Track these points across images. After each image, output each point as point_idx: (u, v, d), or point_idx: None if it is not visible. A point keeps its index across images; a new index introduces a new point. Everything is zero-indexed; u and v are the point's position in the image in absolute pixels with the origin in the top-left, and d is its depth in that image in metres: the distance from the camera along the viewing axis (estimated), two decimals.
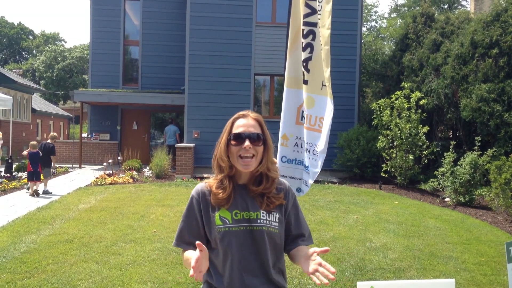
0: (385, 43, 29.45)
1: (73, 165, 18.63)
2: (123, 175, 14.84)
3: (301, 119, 4.55)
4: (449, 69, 13.63)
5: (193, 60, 16.78)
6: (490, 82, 12.27)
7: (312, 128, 4.36)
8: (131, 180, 14.19)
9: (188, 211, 2.28)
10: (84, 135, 20.91)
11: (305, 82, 4.43)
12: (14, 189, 12.62)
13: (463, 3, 35.92)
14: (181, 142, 18.03)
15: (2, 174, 14.88)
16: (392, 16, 37.74)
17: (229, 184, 2.22)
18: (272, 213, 2.22)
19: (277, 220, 2.22)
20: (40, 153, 12.09)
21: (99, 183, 13.51)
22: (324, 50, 4.24)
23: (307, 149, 4.39)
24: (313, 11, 4.38)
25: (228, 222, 2.18)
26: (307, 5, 4.41)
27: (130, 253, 6.55)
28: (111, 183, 13.58)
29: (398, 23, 33.03)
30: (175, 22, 20.17)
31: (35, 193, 11.64)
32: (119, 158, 18.53)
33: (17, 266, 5.88)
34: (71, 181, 14.26)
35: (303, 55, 4.44)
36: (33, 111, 29.08)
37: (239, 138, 2.20)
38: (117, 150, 20.00)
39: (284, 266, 2.33)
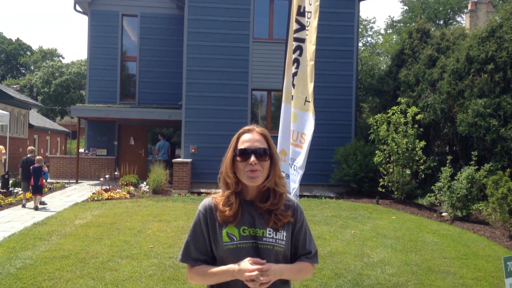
0: (381, 59, 29.63)
1: (70, 181, 18.57)
2: (120, 191, 14.79)
3: None
4: (445, 84, 13.71)
5: (190, 76, 16.84)
6: (486, 97, 12.33)
7: (294, 143, 4.36)
8: (128, 196, 14.14)
9: (194, 226, 2.25)
10: (81, 150, 20.87)
11: (292, 97, 4.42)
12: (10, 204, 12.56)
13: (458, 19, 36.28)
14: (172, 157, 18.25)
15: None
16: (388, 32, 38.02)
17: (235, 201, 2.19)
18: (280, 231, 2.19)
19: (284, 239, 2.19)
20: (46, 168, 12.62)
21: (95, 198, 13.46)
22: (309, 65, 4.25)
23: (289, 164, 4.39)
24: (302, 27, 4.40)
25: (235, 239, 2.15)
26: (297, 21, 4.43)
27: (126, 269, 6.51)
28: (107, 199, 13.53)
29: (394, 39, 33.27)
30: (172, 38, 20.28)
31: (35, 207, 11.85)
32: (116, 173, 18.48)
33: (12, 282, 5.84)
34: (68, 196, 14.21)
35: (292, 70, 4.44)
36: (30, 126, 29.07)
37: (245, 153, 2.18)
38: (114, 165, 19.95)
39: (290, 285, 2.31)
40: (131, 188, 15.44)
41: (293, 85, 4.38)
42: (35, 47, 69.45)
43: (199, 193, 15.14)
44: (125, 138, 20.77)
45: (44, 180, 12.60)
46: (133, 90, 20.88)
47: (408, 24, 33.99)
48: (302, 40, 4.37)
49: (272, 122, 17.17)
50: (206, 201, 2.29)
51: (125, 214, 10.99)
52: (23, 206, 12.34)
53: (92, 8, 20.40)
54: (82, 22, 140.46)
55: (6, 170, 15.90)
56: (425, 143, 13.65)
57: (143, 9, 20.52)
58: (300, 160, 4.24)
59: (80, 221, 10.05)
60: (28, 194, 12.74)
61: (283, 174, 2.31)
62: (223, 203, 2.20)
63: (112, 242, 8.09)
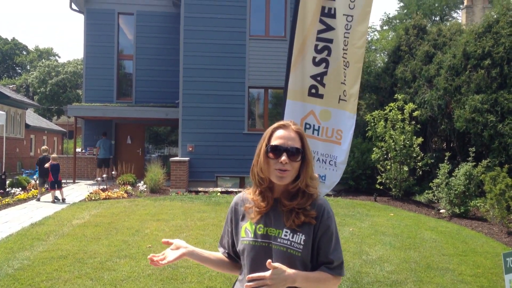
0: (378, 55, 29.59)
1: (67, 180, 18.52)
2: (117, 190, 14.75)
3: (305, 131, 4.60)
4: (442, 80, 13.70)
5: (187, 74, 16.80)
6: (483, 93, 12.34)
7: (329, 140, 4.53)
8: (125, 195, 14.11)
9: (226, 219, 2.32)
10: (78, 150, 20.83)
11: (320, 96, 4.53)
12: (8, 205, 12.52)
13: (454, 15, 36.24)
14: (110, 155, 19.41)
15: None
16: (384, 28, 37.97)
17: (271, 195, 2.15)
18: (298, 233, 2.07)
19: (301, 242, 2.06)
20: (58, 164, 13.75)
21: (93, 198, 13.43)
22: (356, 67, 4.46)
23: (322, 160, 4.51)
24: (329, 28, 4.48)
25: (250, 236, 2.12)
26: (321, 21, 4.48)
27: (124, 268, 6.49)
28: (105, 198, 13.50)
29: (390, 36, 33.22)
30: (169, 36, 20.21)
31: (62, 199, 13.19)
32: (113, 172, 18.45)
33: (10, 283, 5.81)
34: (65, 196, 14.16)
35: (317, 70, 4.52)
36: (27, 126, 28.97)
37: (276, 150, 2.09)
38: (112, 164, 19.90)
39: None
40: (129, 187, 15.40)
41: (323, 84, 4.51)
42: (31, 46, 69.24)
43: (197, 192, 15.12)
44: (122, 137, 20.72)
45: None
46: (130, 88, 20.82)
47: (404, 21, 33.94)
48: (330, 41, 4.46)
49: (269, 119, 17.14)
50: (236, 196, 2.32)
51: (123, 213, 10.96)
52: (38, 199, 13.41)
53: (88, 6, 20.31)
54: (78, 20, 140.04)
55: (3, 170, 15.84)
56: (423, 139, 13.66)
57: (139, 7, 20.44)
58: (341, 155, 4.47)
59: (78, 221, 10.02)
60: (43, 189, 13.97)
61: (316, 175, 2.24)
62: (261, 199, 2.15)
63: (110, 242, 8.07)
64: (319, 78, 4.52)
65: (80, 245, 7.86)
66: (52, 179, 13.22)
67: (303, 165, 2.13)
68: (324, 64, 4.51)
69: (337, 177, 4.48)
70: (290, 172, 2.08)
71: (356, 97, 4.52)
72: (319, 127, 4.53)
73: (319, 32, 4.51)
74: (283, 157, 2.06)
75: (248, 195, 2.23)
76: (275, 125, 2.19)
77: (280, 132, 2.14)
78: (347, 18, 4.47)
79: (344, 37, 4.50)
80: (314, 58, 4.53)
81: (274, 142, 2.12)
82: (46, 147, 14.61)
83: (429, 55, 15.48)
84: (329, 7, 4.50)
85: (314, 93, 4.54)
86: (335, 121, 4.50)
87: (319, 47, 4.51)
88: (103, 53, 20.32)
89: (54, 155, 13.91)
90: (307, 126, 4.57)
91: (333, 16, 4.49)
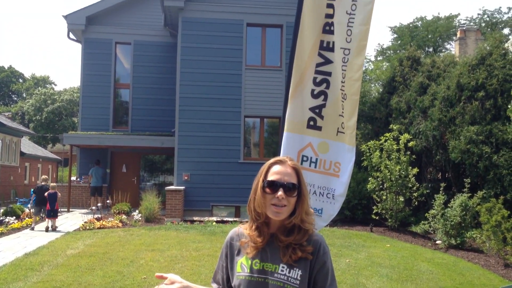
0: (373, 86, 29.89)
1: (61, 209, 18.37)
2: (112, 219, 14.65)
3: (301, 163, 4.62)
4: (437, 111, 13.82)
5: (183, 103, 16.87)
6: (478, 124, 12.45)
7: (327, 172, 4.52)
8: (120, 224, 14.01)
9: (220, 253, 2.31)
10: (73, 178, 20.75)
11: (319, 128, 4.55)
12: (1, 234, 12.39)
13: (448, 46, 36.79)
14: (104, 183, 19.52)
15: None
16: (378, 59, 38.46)
17: (268, 231, 2.16)
18: (294, 268, 2.09)
19: (298, 278, 2.08)
20: (59, 193, 13.97)
21: (87, 227, 13.33)
22: (353, 100, 4.47)
23: (319, 193, 4.50)
24: (327, 61, 4.54)
25: (246, 271, 2.12)
26: (320, 55, 4.55)
27: None
28: (100, 228, 13.40)
29: (385, 66, 33.62)
30: (165, 65, 20.38)
31: (53, 229, 13.10)
32: (108, 201, 18.36)
33: None
34: (60, 225, 14.05)
35: (315, 102, 4.56)
36: (22, 154, 28.85)
37: (273, 186, 2.12)
38: (106, 193, 19.82)
39: None
40: (123, 216, 15.31)
41: (322, 117, 4.55)
42: (27, 74, 69.48)
43: (192, 221, 15.03)
44: (118, 165, 20.68)
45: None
46: (126, 117, 20.89)
47: (397, 51, 34.44)
48: (328, 74, 4.52)
49: (265, 148, 17.19)
50: (232, 231, 2.31)
51: (118, 243, 10.88)
52: (32, 229, 13.30)
53: (85, 36, 20.50)
54: (75, 49, 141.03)
55: None
56: (418, 170, 13.69)
57: (136, 37, 20.66)
58: (340, 188, 4.42)
59: (72, 251, 9.93)
60: (38, 218, 14.09)
61: (312, 211, 2.26)
62: (257, 234, 2.16)
63: (105, 273, 7.99)
64: (317, 111, 4.56)
65: (74, 276, 7.78)
66: (49, 207, 13.26)
67: (299, 200, 2.15)
68: (322, 97, 4.55)
69: (334, 210, 4.46)
70: (286, 208, 2.11)
71: (353, 130, 4.54)
72: (316, 159, 4.54)
73: (318, 65, 4.57)
74: (280, 193, 2.09)
75: (244, 230, 2.24)
76: (272, 160, 2.23)
77: (276, 168, 2.17)
78: (344, 52, 4.53)
79: (342, 70, 4.55)
80: (312, 90, 4.58)
81: (271, 177, 2.15)
82: (46, 176, 14.84)
83: (423, 86, 15.65)
84: (327, 41, 4.57)
85: (312, 125, 4.57)
86: (333, 154, 4.51)
87: (317, 80, 4.56)
88: (100, 81, 20.44)
89: (53, 184, 14.18)
90: (304, 158, 4.58)
91: (332, 49, 4.56)
